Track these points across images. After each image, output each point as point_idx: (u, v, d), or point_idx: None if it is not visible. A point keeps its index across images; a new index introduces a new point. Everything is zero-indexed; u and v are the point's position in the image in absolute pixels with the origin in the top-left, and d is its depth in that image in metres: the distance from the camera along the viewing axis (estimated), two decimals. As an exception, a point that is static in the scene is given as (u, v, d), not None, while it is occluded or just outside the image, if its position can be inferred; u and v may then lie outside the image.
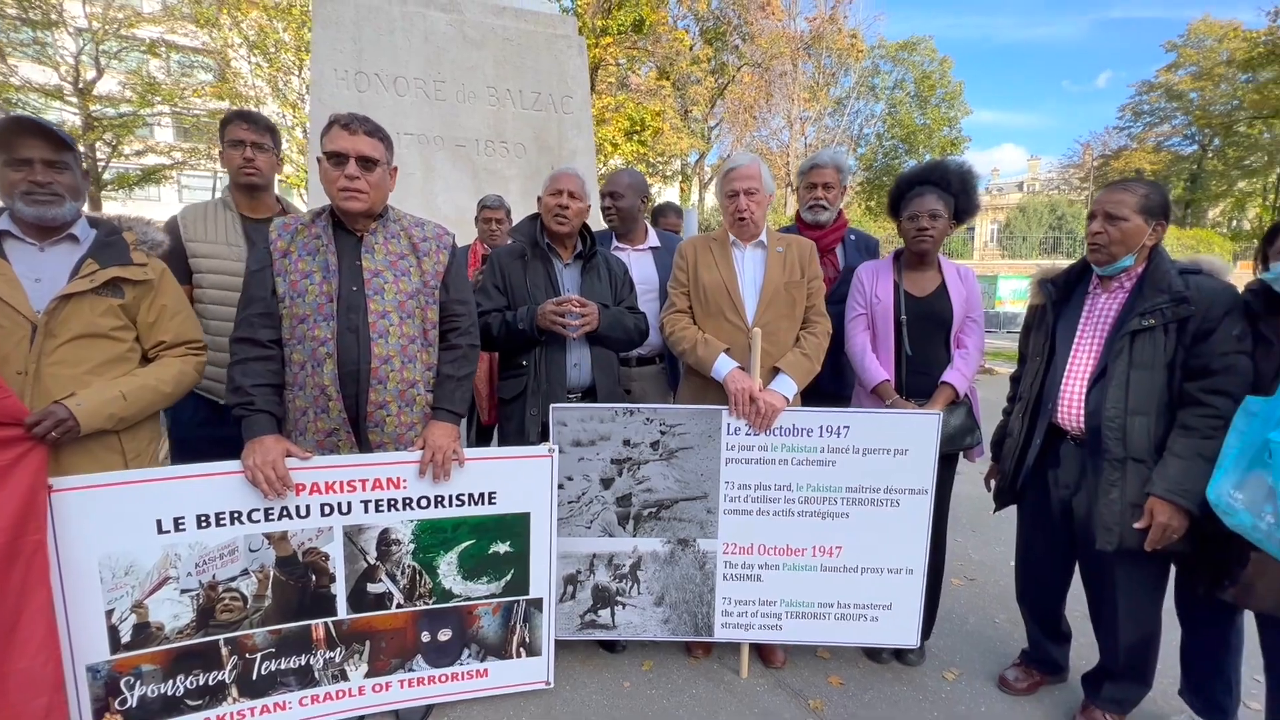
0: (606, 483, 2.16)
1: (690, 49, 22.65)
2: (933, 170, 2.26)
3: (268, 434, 1.67)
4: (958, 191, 2.21)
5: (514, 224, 3.76)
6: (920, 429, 2.09)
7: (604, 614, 2.25)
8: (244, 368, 1.70)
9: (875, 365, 2.24)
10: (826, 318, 2.29)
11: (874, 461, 2.12)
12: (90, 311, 1.56)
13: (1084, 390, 1.87)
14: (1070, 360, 1.93)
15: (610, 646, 2.44)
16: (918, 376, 2.20)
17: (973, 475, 4.84)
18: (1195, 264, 1.79)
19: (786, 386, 2.12)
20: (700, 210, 30.54)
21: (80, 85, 16.18)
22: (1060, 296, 2.02)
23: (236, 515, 1.69)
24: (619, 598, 2.25)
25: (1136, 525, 1.73)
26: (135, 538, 1.61)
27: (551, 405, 2.09)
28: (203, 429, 2.11)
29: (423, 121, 4.53)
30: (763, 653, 2.39)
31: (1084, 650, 2.31)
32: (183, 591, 1.67)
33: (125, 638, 1.64)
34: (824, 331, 2.26)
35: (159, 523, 1.62)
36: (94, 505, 1.56)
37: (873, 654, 2.41)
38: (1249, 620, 1.87)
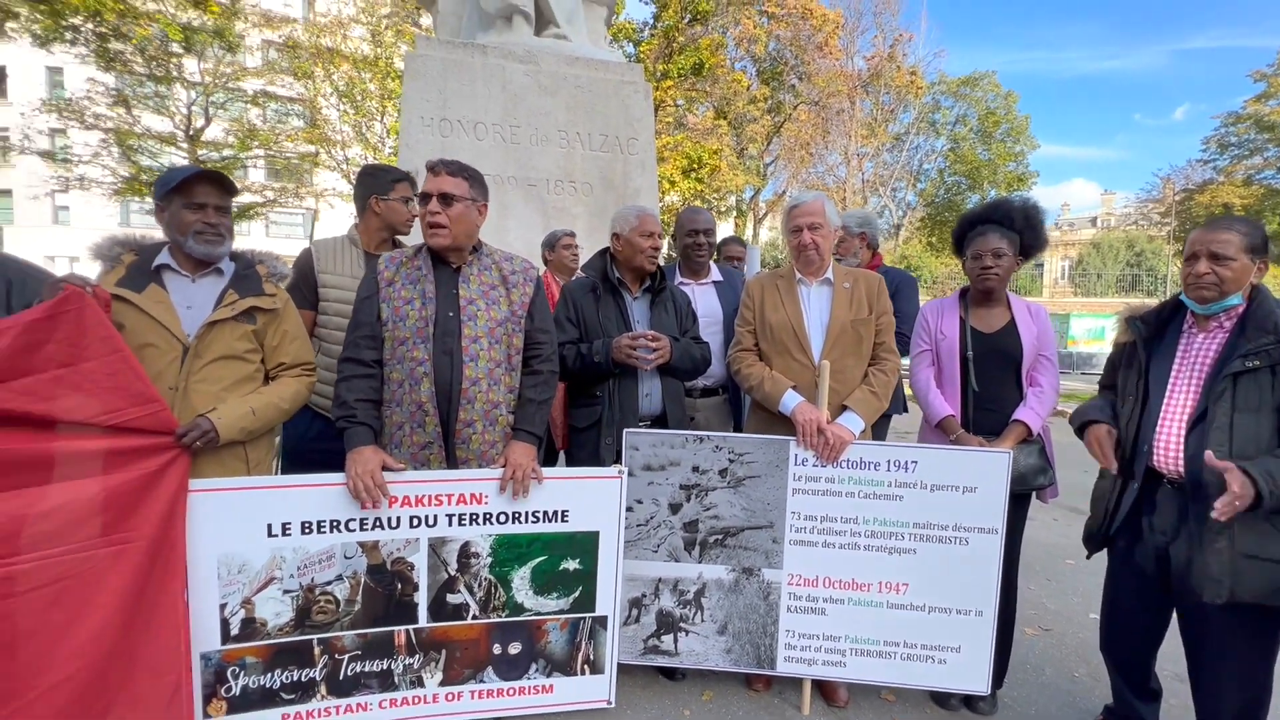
0: (675, 508, 2.23)
1: (747, 89, 23.10)
2: (996, 209, 2.29)
3: (366, 445, 1.84)
4: (1022, 228, 2.22)
5: (575, 254, 3.99)
6: (990, 467, 2.08)
7: (667, 640, 2.30)
8: (349, 384, 1.89)
9: (939, 400, 2.25)
10: (896, 354, 2.33)
11: (942, 498, 2.11)
12: (229, 336, 1.79)
13: (1182, 433, 1.80)
14: (1166, 401, 1.86)
15: (670, 674, 2.47)
16: (985, 413, 2.19)
17: (1047, 521, 4.64)
18: None
19: (854, 423, 2.16)
20: (755, 243, 30.59)
21: (190, 132, 17.93)
22: (1151, 334, 1.96)
23: (336, 524, 1.85)
24: (683, 624, 2.29)
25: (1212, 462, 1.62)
26: (249, 539, 1.79)
27: (625, 430, 2.19)
28: (313, 442, 2.32)
29: (499, 163, 4.84)
30: (825, 690, 2.37)
31: (1174, 712, 2.19)
32: (285, 592, 1.84)
33: (234, 630, 1.81)
34: (893, 369, 2.29)
35: (269, 527, 1.80)
36: (219, 508, 1.75)
37: (941, 700, 2.34)
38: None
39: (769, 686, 2.43)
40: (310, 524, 1.83)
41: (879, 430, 2.90)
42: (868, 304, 2.29)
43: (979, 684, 2.18)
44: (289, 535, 1.82)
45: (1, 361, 1.47)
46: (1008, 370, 2.19)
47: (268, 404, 1.82)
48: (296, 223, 29.24)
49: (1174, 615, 1.96)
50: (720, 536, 2.23)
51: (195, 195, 1.77)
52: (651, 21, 14.90)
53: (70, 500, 1.56)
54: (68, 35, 9.02)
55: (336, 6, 16.87)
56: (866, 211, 3.12)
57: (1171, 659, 1.97)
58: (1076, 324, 22.46)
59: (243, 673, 1.83)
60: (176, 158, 18.21)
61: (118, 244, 1.79)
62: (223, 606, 1.79)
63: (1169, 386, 1.87)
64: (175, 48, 12.73)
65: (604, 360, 2.24)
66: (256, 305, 1.84)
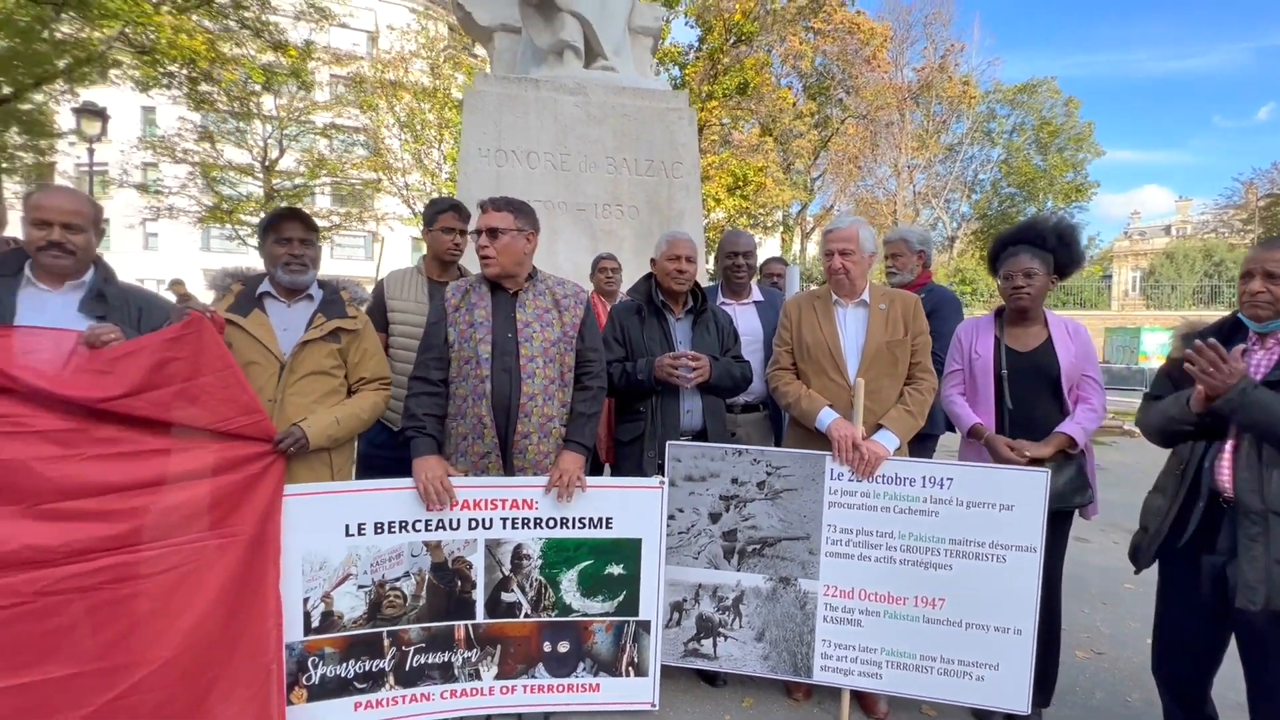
0: (714, 517, 2.35)
1: (793, 105, 23.09)
2: (1027, 229, 2.34)
3: (431, 454, 2.05)
4: (1055, 248, 2.26)
5: (612, 275, 4.16)
6: (1027, 486, 2.11)
7: (706, 643, 2.40)
8: (417, 400, 2.11)
9: (966, 409, 2.31)
10: (932, 374, 2.39)
11: (978, 515, 2.16)
12: (318, 354, 2.03)
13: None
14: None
15: (711, 680, 2.57)
16: (1020, 431, 2.22)
17: (1106, 544, 4.49)
18: None
19: (888, 440, 2.23)
20: (802, 260, 30.34)
21: (266, 163, 19.31)
22: None
23: (404, 524, 2.06)
24: (721, 629, 2.39)
25: None
26: (330, 538, 2.01)
27: (669, 442, 2.33)
28: (379, 449, 2.56)
29: (550, 190, 5.11)
30: (864, 702, 2.42)
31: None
32: (359, 587, 2.04)
33: (315, 623, 2.02)
34: (929, 388, 2.36)
35: (347, 527, 2.02)
36: (305, 510, 1.98)
37: (982, 717, 2.35)
38: None
39: (809, 696, 2.49)
40: (382, 524, 2.04)
41: (925, 449, 2.95)
42: (903, 325, 2.37)
43: (1019, 703, 2.18)
44: (364, 535, 2.03)
45: (138, 375, 1.74)
46: (1044, 388, 2.22)
47: (350, 414, 2.06)
48: (359, 245, 30.77)
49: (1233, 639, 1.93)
50: (758, 546, 2.33)
51: (283, 231, 2.04)
52: (697, 44, 15.20)
53: (185, 498, 1.81)
54: (164, 80, 9.97)
55: (399, 44, 17.93)
56: (926, 231, 3.30)
57: (1235, 687, 1.93)
58: (1149, 338, 21.17)
59: (321, 663, 2.04)
60: (253, 187, 19.63)
61: (228, 275, 2.08)
62: (305, 600, 2.01)
63: None
64: (256, 87, 13.78)
65: (646, 378, 2.40)
66: (341, 326, 2.09)
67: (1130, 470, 2.16)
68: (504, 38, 5.95)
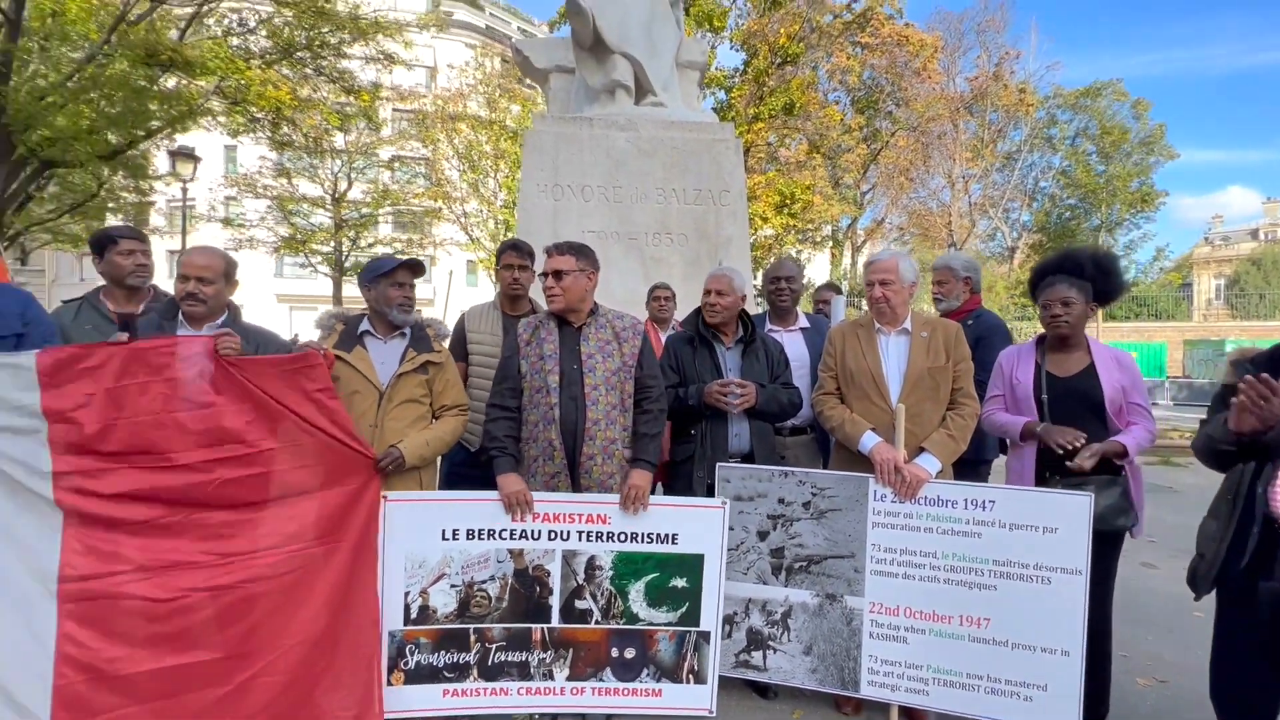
0: (762, 535, 2.49)
1: (841, 120, 22.98)
2: (1065, 259, 2.42)
3: (512, 471, 2.29)
4: (1094, 276, 2.33)
5: (665, 303, 4.35)
6: (1070, 509, 2.17)
7: (756, 655, 2.53)
8: (496, 424, 2.37)
9: (1010, 417, 2.40)
10: (974, 399, 2.48)
11: (1021, 537, 2.23)
12: (411, 384, 2.32)
13: None
14: None
15: (763, 692, 2.69)
16: (1063, 454, 2.28)
17: (1175, 571, 4.34)
18: None
19: (930, 463, 2.34)
20: (852, 275, 29.86)
21: (335, 195, 20.64)
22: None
23: (492, 532, 2.31)
24: (770, 642, 2.52)
25: None
26: (428, 541, 2.28)
27: (718, 464, 2.51)
28: (461, 467, 2.85)
29: (603, 221, 5.40)
30: (913, 718, 2.49)
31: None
32: (451, 586, 2.30)
33: (413, 615, 2.29)
34: (971, 413, 2.45)
35: (443, 532, 2.29)
36: (408, 514, 2.27)
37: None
38: None
39: (858, 710, 2.58)
40: (473, 531, 2.30)
41: (978, 475, 2.97)
42: (945, 352, 2.47)
43: (1069, 723, 2.22)
44: (457, 540, 2.29)
45: (270, 385, 2.04)
46: (1086, 412, 2.27)
47: (437, 437, 2.35)
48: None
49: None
50: (804, 563, 2.46)
51: (398, 278, 2.35)
52: (742, 68, 15.45)
53: (299, 510, 2.10)
54: (251, 125, 10.96)
55: (457, 81, 18.98)
56: (972, 258, 3.41)
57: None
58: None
59: (417, 651, 2.29)
60: (324, 218, 21.00)
61: (333, 316, 2.40)
62: (406, 594, 2.27)
63: None
64: (330, 128, 14.85)
65: (696, 403, 2.58)
66: (429, 360, 2.38)
67: (1204, 493, 2.13)
68: (559, 78, 6.33)
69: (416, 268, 2.40)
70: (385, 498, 2.22)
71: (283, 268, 30.23)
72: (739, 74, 15.55)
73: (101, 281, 2.66)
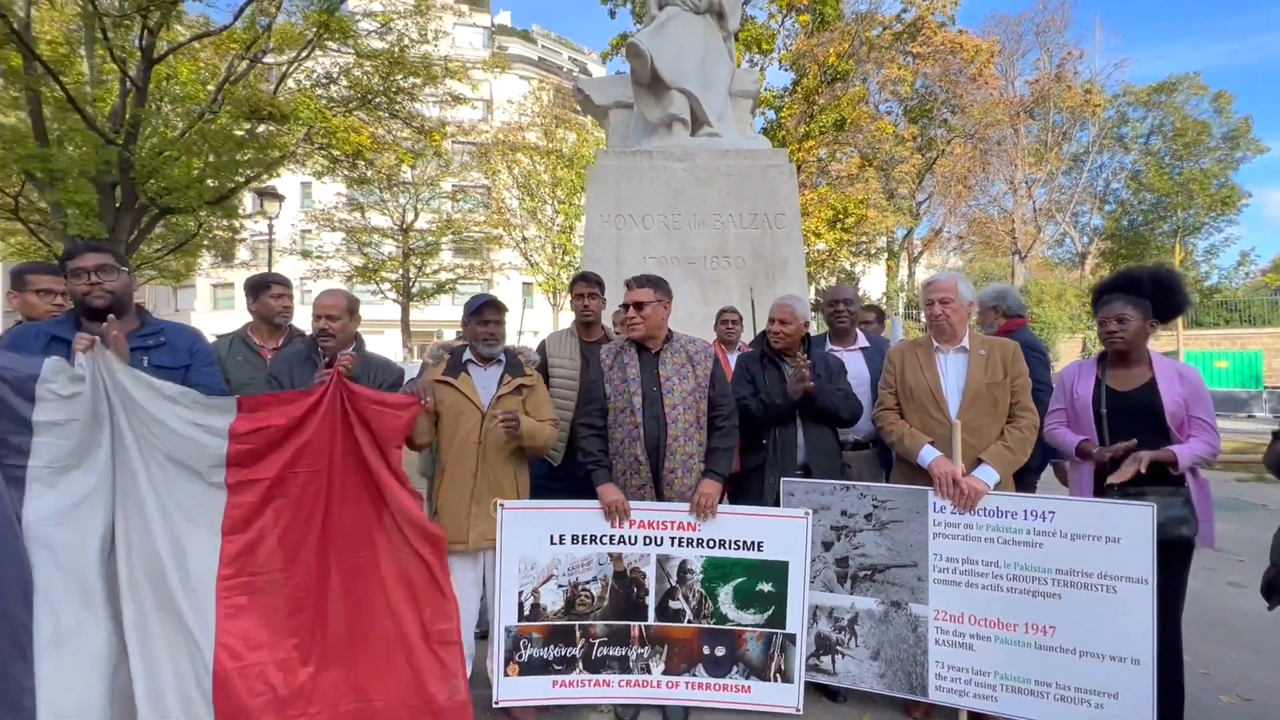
0: (827, 545, 2.65)
1: (894, 131, 22.70)
2: (1122, 277, 2.50)
3: (610, 482, 2.56)
4: (1151, 294, 2.41)
5: (732, 326, 4.54)
6: (1133, 519, 2.24)
7: (826, 660, 2.67)
8: (589, 440, 2.64)
9: (1068, 433, 2.48)
10: (1033, 412, 2.58)
11: (1084, 547, 2.31)
12: (507, 404, 2.61)
13: None
14: None
15: (832, 696, 2.82)
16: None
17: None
18: None
19: (988, 475, 2.45)
20: (910, 286, 29.16)
21: (403, 225, 21.93)
22: None
23: (594, 537, 2.57)
24: (838, 647, 2.66)
25: None
26: (538, 545, 2.55)
27: (783, 478, 2.69)
28: (544, 480, 3.10)
29: (663, 247, 5.68)
30: (981, 725, 2.57)
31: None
32: (559, 586, 2.56)
33: (526, 612, 2.56)
34: (1029, 425, 2.55)
35: (551, 536, 2.56)
36: (521, 521, 2.55)
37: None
38: None
39: (928, 715, 2.67)
40: (578, 536, 2.57)
41: (1026, 484, 3.04)
42: (1003, 369, 2.59)
43: (1142, 732, 2.27)
44: (564, 544, 2.56)
45: (375, 420, 2.35)
46: (1146, 424, 2.33)
47: (541, 430, 2.63)
48: (475, 292, 33.64)
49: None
50: (869, 572, 2.60)
51: (484, 315, 2.67)
52: (791, 87, 15.61)
53: (390, 516, 2.40)
54: (334, 167, 11.94)
55: (515, 115, 19.99)
56: (1001, 286, 3.53)
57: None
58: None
59: (530, 645, 2.56)
60: (391, 247, 22.31)
61: (441, 348, 2.76)
62: (520, 593, 2.55)
63: None
64: (403, 165, 15.91)
65: (783, 400, 2.75)
66: (523, 383, 2.68)
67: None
68: (618, 113, 6.71)
69: (499, 306, 2.72)
70: (502, 505, 2.51)
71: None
72: (788, 93, 15.72)
73: (248, 318, 3.11)
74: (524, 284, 28.20)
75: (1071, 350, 20.69)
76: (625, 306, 2.67)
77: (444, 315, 25.04)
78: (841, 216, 15.45)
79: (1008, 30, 30.03)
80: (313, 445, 2.26)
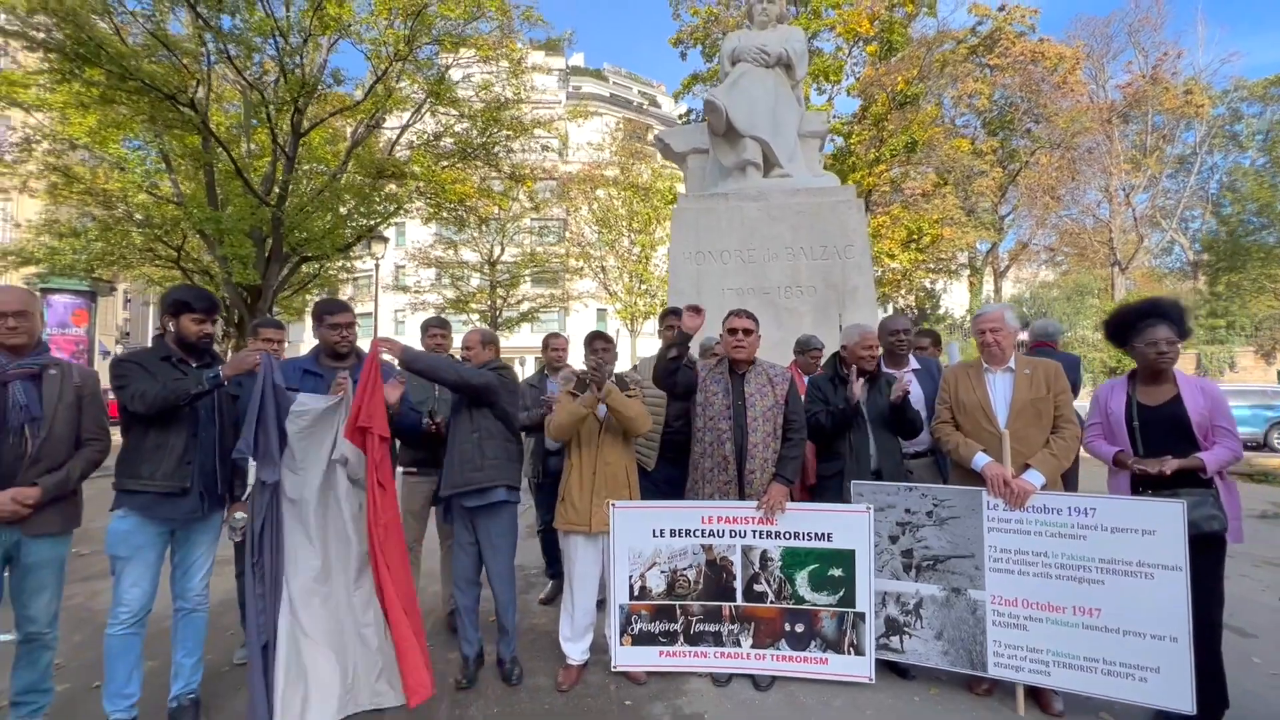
0: (893, 539, 3.10)
1: (971, 145, 22.26)
2: (1156, 305, 2.81)
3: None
4: (1176, 319, 2.74)
5: (813, 360, 5.00)
6: (1166, 514, 2.58)
7: (895, 640, 3.10)
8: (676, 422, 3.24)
9: (1105, 445, 2.83)
10: (1074, 422, 2.95)
11: (1123, 539, 2.66)
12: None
13: None
14: None
15: (903, 673, 3.22)
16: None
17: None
18: None
19: (1035, 477, 2.84)
20: (997, 301, 27.97)
21: (490, 259, 23.65)
22: None
23: (688, 531, 3.15)
24: (905, 629, 3.09)
25: None
26: (644, 537, 3.16)
27: (853, 482, 3.18)
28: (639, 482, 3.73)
29: (739, 280, 6.26)
30: (1040, 701, 2.90)
31: None
32: (661, 571, 3.15)
33: (635, 593, 3.16)
34: (1072, 434, 2.92)
35: (654, 530, 3.16)
36: (630, 517, 3.16)
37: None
38: None
39: (989, 693, 3.02)
40: (675, 530, 3.15)
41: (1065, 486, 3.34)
42: (1046, 385, 2.98)
43: (1184, 703, 2.55)
44: (664, 536, 3.16)
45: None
46: (1175, 435, 2.64)
47: (630, 402, 3.09)
48: (554, 320, 35.28)
49: None
50: (931, 562, 3.03)
51: (593, 345, 3.35)
52: (860, 112, 15.86)
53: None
54: (441, 214, 13.43)
55: (594, 154, 21.33)
56: (1043, 322, 3.97)
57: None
58: None
59: (639, 620, 3.16)
60: (478, 279, 24.05)
61: (574, 373, 3.44)
62: (630, 577, 3.15)
63: None
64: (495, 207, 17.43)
65: (847, 406, 3.23)
66: (630, 395, 3.31)
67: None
68: (695, 158, 7.42)
69: (607, 338, 3.39)
70: (614, 505, 3.14)
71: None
72: (857, 119, 15.98)
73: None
74: (598, 310, 29.44)
75: (1186, 364, 19.28)
76: (733, 331, 3.24)
77: (525, 342, 26.62)
78: (916, 236, 15.42)
79: (1095, 33, 28.76)
80: None
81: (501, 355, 3.45)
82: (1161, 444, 2.68)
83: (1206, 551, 2.60)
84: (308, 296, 20.62)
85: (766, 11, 7.12)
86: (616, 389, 3.12)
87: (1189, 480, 2.62)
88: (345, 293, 27.81)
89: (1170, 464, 2.61)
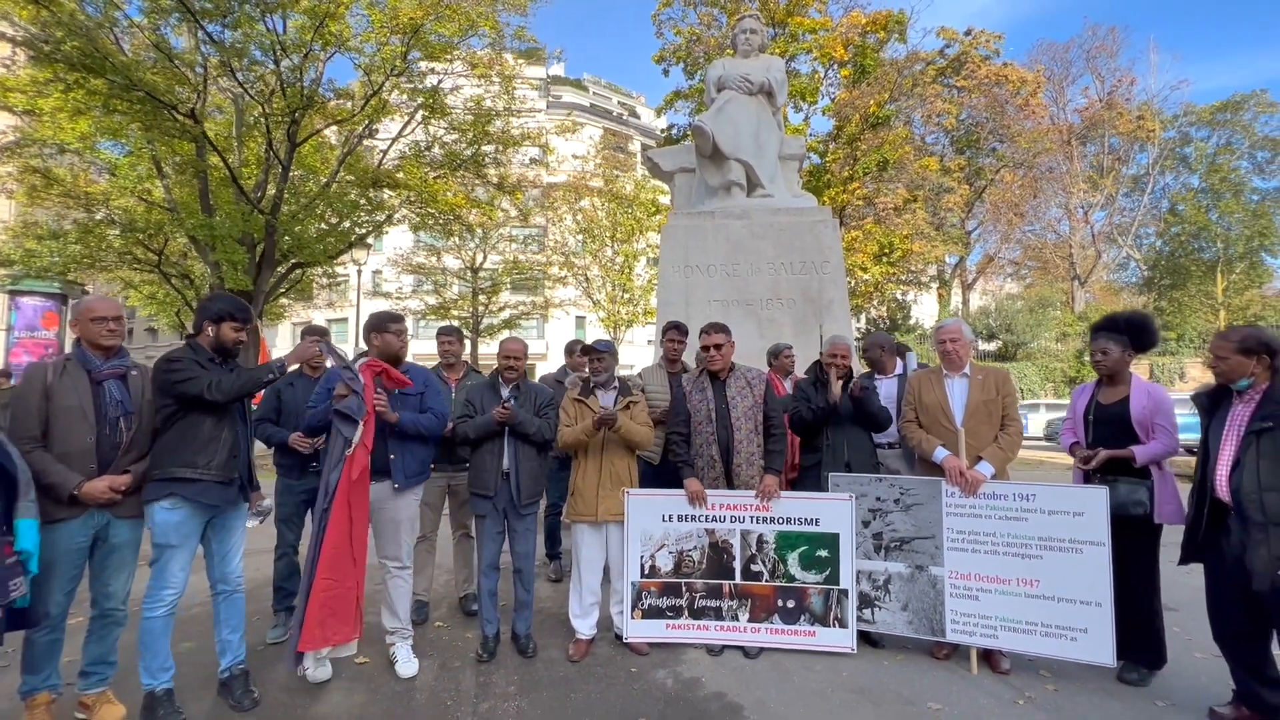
0: (865, 524, 3.54)
1: (940, 163, 23.24)
2: (1106, 320, 3.32)
3: (693, 477, 3.54)
4: (1126, 330, 3.21)
5: (786, 360, 5.47)
6: (1092, 498, 3.07)
7: (866, 612, 3.53)
8: (679, 445, 3.63)
9: (1067, 437, 3.35)
10: (1018, 421, 3.44)
11: (1057, 520, 3.13)
12: (622, 417, 3.65)
13: (1228, 474, 2.69)
14: (1219, 452, 2.76)
15: (874, 643, 3.65)
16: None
17: None
18: None
19: (986, 469, 3.31)
20: (965, 314, 29.08)
21: (473, 267, 23.82)
22: (1210, 406, 2.88)
23: (693, 516, 3.55)
24: (876, 602, 3.52)
25: None
26: (654, 521, 3.55)
27: (829, 473, 3.62)
28: (645, 477, 4.10)
29: (724, 292, 6.71)
30: (990, 661, 3.36)
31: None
32: (669, 553, 3.54)
33: (645, 571, 3.54)
34: (1016, 431, 3.41)
35: (663, 515, 3.55)
36: (642, 504, 3.55)
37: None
38: None
39: (948, 656, 3.47)
40: (681, 515, 3.55)
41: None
42: (995, 389, 3.47)
43: (1106, 657, 3.02)
44: (671, 521, 3.55)
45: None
46: (1119, 430, 3.11)
47: (638, 429, 3.54)
48: (532, 326, 35.41)
49: None
50: (898, 543, 3.47)
51: (589, 358, 3.73)
52: (835, 132, 16.58)
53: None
54: (429, 222, 13.69)
55: (578, 165, 21.75)
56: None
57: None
58: None
59: (649, 596, 3.54)
60: (463, 287, 24.21)
61: (580, 379, 3.82)
62: (641, 557, 3.54)
63: (1222, 441, 2.75)
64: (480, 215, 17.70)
65: (825, 404, 3.66)
66: (630, 400, 3.69)
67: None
68: (682, 177, 7.88)
69: (594, 350, 3.72)
70: (628, 493, 3.53)
71: (417, 329, 34.46)
72: (832, 138, 16.70)
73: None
74: (578, 317, 29.77)
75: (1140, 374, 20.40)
76: (705, 348, 3.67)
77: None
78: (887, 250, 16.14)
79: (1056, 57, 30.26)
80: None
81: (480, 363, 3.81)
82: (1108, 437, 3.15)
83: (1136, 533, 3.08)
84: (284, 301, 20.58)
85: (749, 41, 7.64)
86: (629, 422, 3.53)
87: (1128, 470, 3.11)
88: (323, 298, 27.66)
89: (1101, 455, 3.10)
